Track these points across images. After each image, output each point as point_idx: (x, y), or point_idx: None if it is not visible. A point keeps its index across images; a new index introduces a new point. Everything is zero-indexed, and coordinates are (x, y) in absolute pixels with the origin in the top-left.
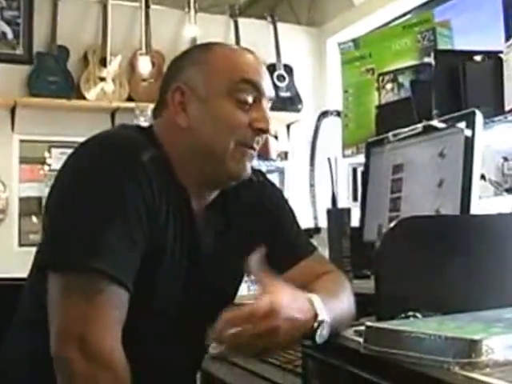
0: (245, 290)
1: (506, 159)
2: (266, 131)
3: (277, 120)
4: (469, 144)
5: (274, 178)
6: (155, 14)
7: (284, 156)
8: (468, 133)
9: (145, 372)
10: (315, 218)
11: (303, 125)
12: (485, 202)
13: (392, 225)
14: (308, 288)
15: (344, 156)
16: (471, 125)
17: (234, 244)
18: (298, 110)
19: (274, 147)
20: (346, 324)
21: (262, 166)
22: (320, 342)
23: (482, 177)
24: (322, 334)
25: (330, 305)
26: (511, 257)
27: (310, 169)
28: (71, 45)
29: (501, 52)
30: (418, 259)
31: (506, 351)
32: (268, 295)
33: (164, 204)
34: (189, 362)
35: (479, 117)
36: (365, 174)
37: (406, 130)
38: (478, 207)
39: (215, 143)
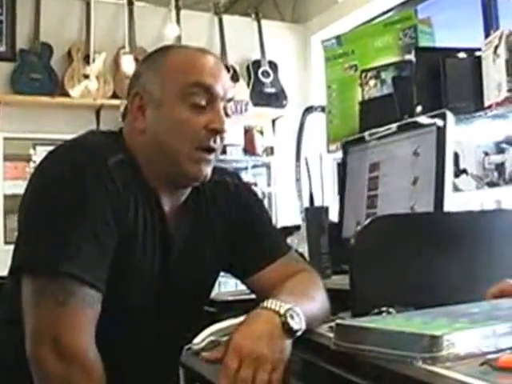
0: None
1: (486, 154)
2: (220, 131)
3: (262, 116)
4: (441, 143)
5: (260, 172)
6: (139, 11)
7: (270, 151)
8: (440, 132)
9: (121, 369)
10: (302, 211)
11: (288, 120)
12: (467, 196)
13: (365, 223)
14: (281, 286)
15: (329, 151)
16: (443, 125)
17: (208, 243)
18: (283, 106)
19: (260, 142)
20: (319, 320)
21: (249, 161)
22: (298, 329)
23: (464, 171)
24: (296, 321)
25: (301, 303)
26: (482, 253)
27: (296, 164)
28: (55, 42)
29: (480, 49)
30: (392, 256)
31: (467, 345)
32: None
33: (132, 206)
34: (165, 357)
35: (450, 117)
36: (343, 172)
37: (382, 129)
38: (456, 202)
39: (171, 147)
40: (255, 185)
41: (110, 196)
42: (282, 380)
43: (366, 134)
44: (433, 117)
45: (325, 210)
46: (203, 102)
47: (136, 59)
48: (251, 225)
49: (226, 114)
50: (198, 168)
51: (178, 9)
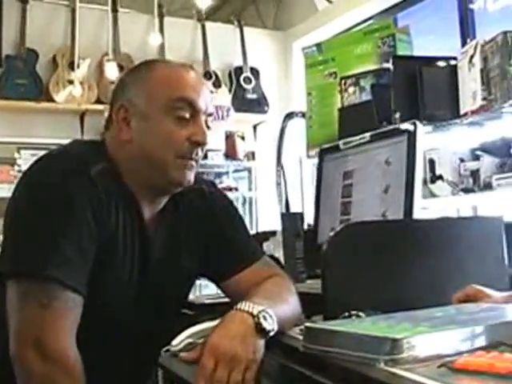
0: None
1: (462, 160)
2: (202, 144)
3: (244, 121)
4: (411, 153)
5: (241, 177)
6: (124, 17)
7: (251, 156)
8: (410, 142)
9: (101, 370)
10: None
11: (270, 126)
12: (444, 202)
13: (336, 230)
14: (254, 290)
15: (308, 156)
16: (412, 135)
17: (185, 249)
18: (265, 112)
19: (241, 147)
20: (291, 323)
21: (230, 165)
22: (270, 329)
23: (440, 177)
24: (268, 322)
25: (274, 305)
26: (450, 259)
27: (277, 169)
28: (40, 48)
29: (456, 58)
30: (362, 262)
31: (427, 348)
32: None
33: (113, 213)
34: (144, 358)
35: (420, 127)
36: (318, 179)
37: (356, 138)
38: (434, 207)
39: (157, 156)
40: (236, 189)
41: (91, 202)
42: (255, 379)
43: (341, 142)
44: (403, 127)
45: (300, 216)
46: (187, 116)
47: (120, 65)
48: (226, 231)
49: (207, 127)
50: (181, 174)
51: (161, 16)
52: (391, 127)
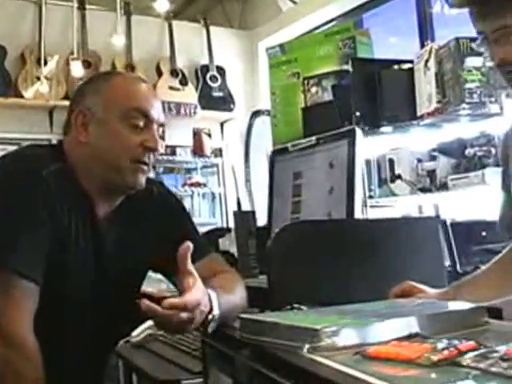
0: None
1: (420, 161)
2: (154, 150)
3: (210, 118)
4: (351, 157)
5: (210, 173)
6: (91, 15)
7: (219, 153)
8: (350, 147)
9: (58, 357)
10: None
11: (236, 123)
12: (402, 201)
13: (279, 228)
14: (206, 285)
15: None
16: (352, 140)
17: (137, 246)
18: (231, 110)
19: (208, 144)
20: (237, 312)
21: (198, 162)
22: (210, 332)
23: (399, 177)
24: (212, 326)
25: (224, 300)
26: (388, 257)
27: (245, 165)
28: (8, 44)
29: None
30: (304, 259)
31: (345, 338)
32: (192, 290)
33: (66, 210)
34: (101, 347)
35: (359, 133)
36: (270, 179)
37: (303, 141)
38: (396, 206)
39: (112, 159)
40: (205, 185)
41: (43, 200)
42: None
43: (290, 144)
44: (345, 132)
45: (252, 215)
46: (141, 124)
47: (87, 62)
48: (175, 229)
49: (159, 136)
50: (134, 177)
51: (128, 14)
52: (334, 132)
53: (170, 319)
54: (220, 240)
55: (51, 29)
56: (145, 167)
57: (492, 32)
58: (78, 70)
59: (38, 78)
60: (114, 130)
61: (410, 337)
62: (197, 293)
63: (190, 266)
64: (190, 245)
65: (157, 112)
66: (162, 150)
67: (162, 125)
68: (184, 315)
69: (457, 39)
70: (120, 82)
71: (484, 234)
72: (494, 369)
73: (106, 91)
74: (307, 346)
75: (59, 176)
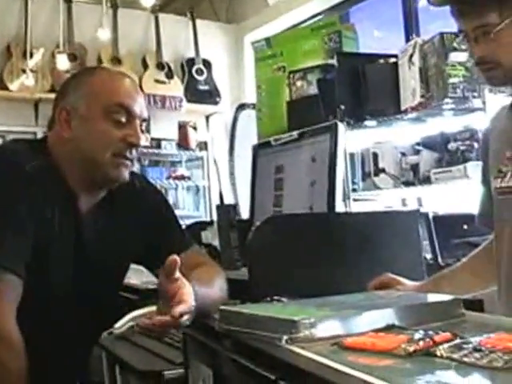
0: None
1: (403, 154)
2: (136, 145)
3: (196, 112)
4: (332, 151)
5: (194, 166)
6: (77, 7)
7: (204, 146)
8: (332, 141)
9: (42, 349)
10: (236, 203)
11: (222, 116)
12: (385, 194)
13: (261, 222)
14: (185, 277)
15: None
16: (334, 135)
17: (119, 238)
18: (216, 103)
19: (194, 137)
20: (217, 303)
21: (183, 155)
22: (184, 326)
23: (383, 170)
24: (189, 318)
25: (200, 292)
26: (368, 249)
27: (230, 158)
28: None
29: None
30: (284, 251)
31: (322, 329)
32: (180, 304)
33: (49, 204)
34: (84, 338)
35: (341, 128)
36: (253, 172)
37: (286, 135)
38: (379, 199)
39: (95, 153)
40: (189, 178)
41: (29, 198)
42: None
43: (272, 139)
44: (327, 127)
45: (233, 208)
46: (123, 119)
47: (73, 55)
48: (158, 222)
49: (142, 131)
50: (117, 172)
51: (115, 7)
52: (316, 126)
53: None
54: (203, 233)
55: (37, 21)
56: (127, 161)
57: (472, 30)
58: (63, 63)
59: (24, 71)
60: (97, 126)
61: (387, 328)
62: (184, 305)
63: (178, 274)
64: (176, 259)
65: (139, 107)
66: (146, 143)
67: (144, 120)
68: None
69: (441, 34)
70: (103, 78)
71: (465, 227)
72: (467, 359)
73: (89, 87)
74: (285, 337)
75: (43, 171)
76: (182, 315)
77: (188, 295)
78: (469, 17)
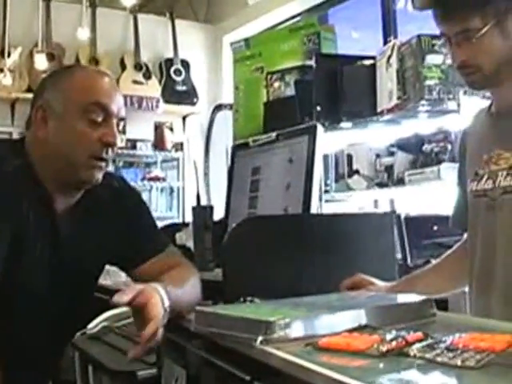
0: None
1: (378, 156)
2: (113, 144)
3: (173, 112)
4: (310, 153)
5: (170, 167)
6: (56, 6)
7: (180, 147)
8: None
9: (14, 347)
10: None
11: (198, 117)
12: (358, 195)
13: (237, 223)
14: (160, 278)
15: None
16: (312, 136)
17: (95, 239)
18: (194, 104)
19: (170, 138)
20: (190, 307)
21: (158, 156)
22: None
23: (357, 172)
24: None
25: (173, 293)
26: (342, 250)
27: (205, 159)
28: None
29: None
30: (259, 253)
31: (297, 330)
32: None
33: (25, 205)
34: (57, 338)
35: (320, 130)
36: (230, 174)
37: (263, 136)
38: (352, 200)
39: (70, 154)
40: (164, 179)
41: (5, 198)
42: None
43: (250, 140)
44: (305, 128)
45: (209, 209)
46: (99, 119)
47: (52, 55)
48: (134, 224)
49: (118, 131)
50: (90, 173)
51: (94, 6)
52: (295, 128)
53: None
54: (177, 234)
55: (15, 20)
56: (102, 164)
57: (454, 35)
58: (41, 62)
59: (1, 70)
60: (73, 126)
61: (360, 328)
62: (152, 325)
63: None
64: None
65: (116, 106)
66: (121, 144)
67: (122, 119)
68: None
69: (418, 36)
70: (80, 76)
71: (435, 228)
72: (439, 359)
73: (66, 86)
74: (260, 337)
75: (19, 172)
76: (153, 335)
77: (155, 307)
78: (451, 21)
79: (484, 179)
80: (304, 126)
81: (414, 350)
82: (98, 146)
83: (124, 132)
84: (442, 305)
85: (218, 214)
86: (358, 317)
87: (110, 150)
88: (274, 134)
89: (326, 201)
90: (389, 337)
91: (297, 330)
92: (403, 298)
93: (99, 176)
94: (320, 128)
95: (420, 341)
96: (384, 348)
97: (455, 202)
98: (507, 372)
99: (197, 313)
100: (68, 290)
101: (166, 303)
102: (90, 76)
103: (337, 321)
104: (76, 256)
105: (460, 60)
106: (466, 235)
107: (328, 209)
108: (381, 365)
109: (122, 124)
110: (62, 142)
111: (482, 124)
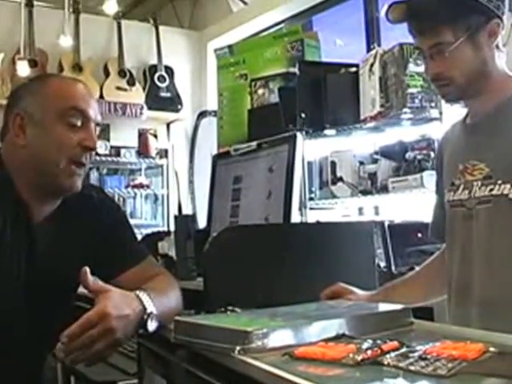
0: None
1: (362, 163)
2: (92, 149)
3: (157, 119)
4: (290, 162)
5: (154, 174)
6: (39, 12)
7: (164, 154)
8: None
9: None
10: (194, 213)
11: (183, 124)
12: (342, 203)
13: (217, 232)
14: (140, 288)
15: None
16: (292, 146)
17: (72, 249)
18: (178, 110)
19: (154, 145)
20: (172, 317)
21: (142, 163)
22: (152, 331)
23: (340, 179)
24: (152, 324)
25: (158, 301)
26: (323, 259)
27: (189, 166)
28: None
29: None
30: (240, 262)
31: (274, 339)
32: (98, 303)
33: (1, 217)
34: (38, 350)
35: (300, 139)
36: (211, 182)
37: (244, 146)
38: (338, 208)
39: (49, 160)
40: (148, 187)
41: None
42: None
43: (232, 148)
44: (286, 138)
45: (191, 218)
46: (78, 123)
47: (34, 61)
48: (113, 234)
49: (98, 136)
50: (71, 181)
51: (77, 12)
52: (275, 137)
53: (84, 346)
54: (159, 243)
55: None
56: (81, 170)
57: (428, 48)
58: (23, 69)
59: None
60: (52, 130)
61: (336, 338)
62: (103, 302)
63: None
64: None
65: (94, 111)
66: (105, 151)
67: (98, 124)
68: (93, 331)
69: (401, 45)
70: (56, 83)
71: (420, 235)
72: (412, 367)
73: (43, 92)
74: (238, 347)
75: None
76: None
77: (106, 316)
78: (425, 35)
79: (460, 189)
80: (284, 135)
81: (388, 358)
82: (77, 150)
83: (108, 139)
84: (427, 313)
85: (203, 221)
86: (336, 326)
87: (88, 155)
88: (254, 144)
89: (311, 208)
90: (364, 346)
91: (274, 339)
92: (381, 307)
93: (79, 183)
94: (300, 137)
95: (395, 350)
96: (359, 357)
97: (433, 211)
98: (478, 380)
99: (176, 322)
100: (44, 303)
101: (150, 309)
102: (66, 82)
103: (314, 330)
104: (53, 267)
105: (433, 73)
106: (444, 245)
107: (313, 216)
108: (356, 374)
109: (98, 129)
110: (42, 147)
111: (457, 134)
